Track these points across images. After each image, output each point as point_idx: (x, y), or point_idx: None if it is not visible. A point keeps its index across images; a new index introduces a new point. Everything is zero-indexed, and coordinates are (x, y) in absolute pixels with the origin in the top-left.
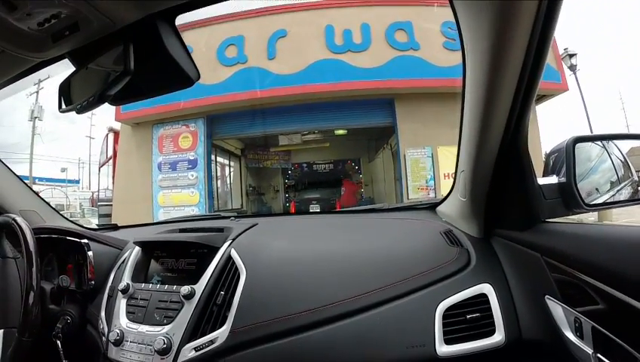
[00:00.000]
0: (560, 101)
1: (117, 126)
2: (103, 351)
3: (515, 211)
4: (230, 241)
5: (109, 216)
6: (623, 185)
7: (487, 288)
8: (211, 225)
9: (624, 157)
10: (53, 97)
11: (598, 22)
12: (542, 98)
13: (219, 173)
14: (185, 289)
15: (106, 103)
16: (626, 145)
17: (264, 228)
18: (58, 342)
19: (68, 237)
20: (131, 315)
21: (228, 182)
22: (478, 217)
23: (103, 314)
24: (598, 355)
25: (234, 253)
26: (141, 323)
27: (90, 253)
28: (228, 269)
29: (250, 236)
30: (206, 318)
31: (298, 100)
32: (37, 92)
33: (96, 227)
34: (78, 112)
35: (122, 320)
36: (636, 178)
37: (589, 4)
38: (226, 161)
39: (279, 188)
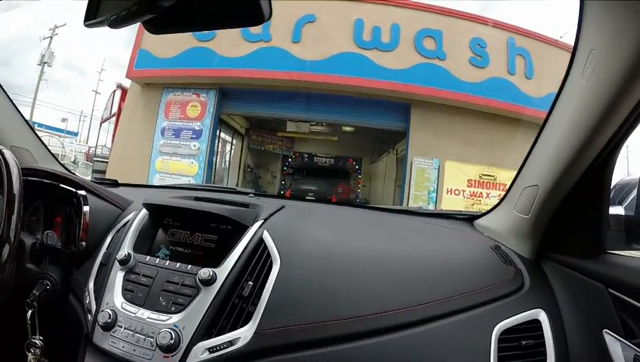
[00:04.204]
0: None
1: (126, 83)
2: (87, 332)
3: (578, 237)
4: (262, 221)
5: (102, 172)
6: None
7: (541, 314)
8: (231, 198)
9: None
10: (65, 46)
11: None
12: None
13: (220, 149)
14: (205, 272)
15: (147, 32)
16: None
17: (295, 213)
18: (30, 311)
19: (62, 185)
20: (129, 294)
21: (227, 159)
22: (534, 237)
23: (91, 285)
24: None
25: (267, 236)
26: (141, 306)
27: (86, 208)
28: (258, 255)
29: (284, 219)
30: (227, 312)
31: (315, 88)
32: (51, 37)
33: (94, 179)
34: (111, 26)
35: (117, 299)
36: None
37: None
38: (229, 138)
39: (277, 173)
